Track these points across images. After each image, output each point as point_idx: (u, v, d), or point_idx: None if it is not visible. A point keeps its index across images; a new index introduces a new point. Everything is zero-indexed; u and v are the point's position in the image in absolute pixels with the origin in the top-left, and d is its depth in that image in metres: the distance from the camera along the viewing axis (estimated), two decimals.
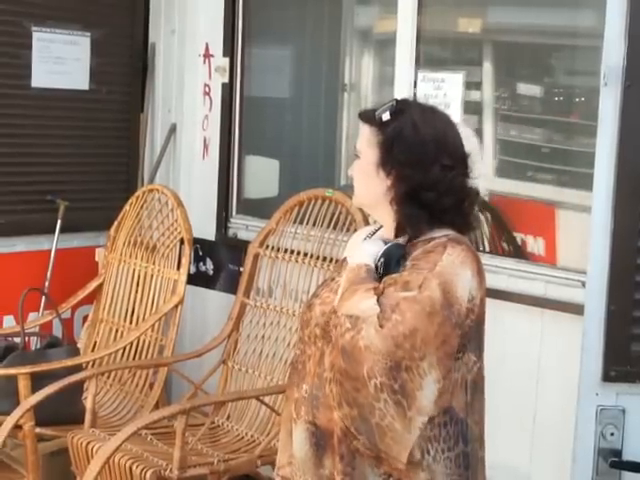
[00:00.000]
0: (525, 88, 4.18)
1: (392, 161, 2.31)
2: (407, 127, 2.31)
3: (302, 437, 2.33)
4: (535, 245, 3.98)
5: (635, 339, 2.53)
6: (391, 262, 2.26)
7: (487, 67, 4.22)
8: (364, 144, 2.36)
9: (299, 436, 2.34)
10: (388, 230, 2.39)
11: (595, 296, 2.55)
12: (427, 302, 2.16)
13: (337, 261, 3.96)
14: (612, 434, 2.54)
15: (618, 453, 2.54)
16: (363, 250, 2.35)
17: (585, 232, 2.70)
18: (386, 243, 2.31)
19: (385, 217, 2.39)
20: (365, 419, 2.16)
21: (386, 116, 2.32)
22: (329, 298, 2.35)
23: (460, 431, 2.23)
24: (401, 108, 2.33)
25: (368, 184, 2.37)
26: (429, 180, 2.28)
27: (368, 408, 2.15)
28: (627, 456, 2.54)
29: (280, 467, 2.49)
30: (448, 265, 2.20)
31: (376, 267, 2.28)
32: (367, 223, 4.01)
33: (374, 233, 2.47)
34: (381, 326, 2.13)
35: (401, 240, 2.31)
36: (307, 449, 2.32)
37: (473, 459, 2.27)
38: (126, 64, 5.35)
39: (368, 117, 2.36)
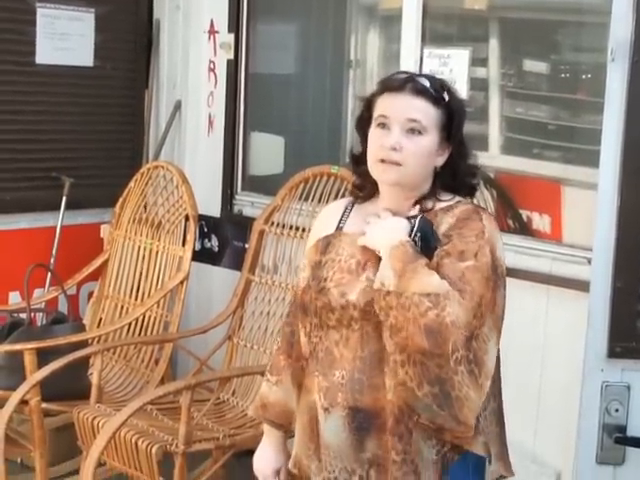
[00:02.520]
0: (531, 65, 4.17)
1: (451, 140, 2.34)
2: (462, 107, 2.38)
3: (337, 424, 2.30)
4: (541, 222, 3.98)
5: None
6: (428, 236, 2.25)
7: (493, 43, 4.21)
8: (430, 123, 2.31)
9: (333, 424, 2.31)
10: (401, 203, 2.35)
11: (601, 273, 2.55)
12: (485, 268, 2.21)
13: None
14: (617, 410, 2.55)
15: (623, 429, 2.55)
16: (390, 227, 2.28)
17: (591, 209, 2.70)
18: (408, 218, 2.28)
19: (410, 192, 2.35)
20: (447, 394, 2.17)
21: (446, 96, 2.33)
22: (344, 279, 2.32)
23: (496, 387, 2.32)
24: (447, 87, 2.36)
25: (425, 163, 2.33)
26: (467, 154, 2.37)
27: (449, 382, 2.16)
28: (632, 432, 2.54)
29: (297, 460, 2.47)
30: (491, 230, 2.27)
31: (414, 242, 2.25)
32: None
33: (352, 205, 2.46)
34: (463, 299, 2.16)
35: (415, 211, 2.31)
36: (345, 435, 2.30)
37: (502, 414, 2.35)
38: (131, 40, 5.33)
39: (427, 94, 2.31)
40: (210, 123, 5.18)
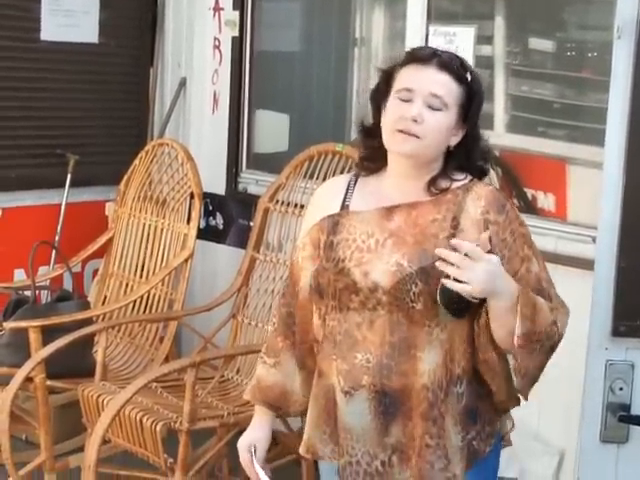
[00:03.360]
0: (537, 43, 4.16)
1: (468, 120, 2.33)
2: (481, 89, 2.38)
3: (362, 407, 2.30)
4: (546, 201, 3.98)
5: None
6: None
7: (499, 21, 4.19)
8: (452, 100, 2.30)
9: (356, 407, 2.31)
10: (419, 183, 2.34)
11: (605, 252, 2.55)
12: (540, 256, 2.33)
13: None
14: (621, 389, 2.55)
15: (627, 407, 2.55)
16: (495, 270, 2.17)
17: (596, 188, 2.70)
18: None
19: (421, 169, 2.34)
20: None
21: (469, 75, 2.33)
22: (365, 258, 2.31)
23: None
24: (469, 67, 2.36)
25: (442, 139, 2.32)
26: (481, 136, 2.37)
27: None
28: (636, 410, 2.55)
29: (310, 444, 2.44)
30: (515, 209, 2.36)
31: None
32: None
33: (355, 181, 2.44)
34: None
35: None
36: (370, 419, 2.30)
37: None
38: (135, 17, 5.31)
39: (453, 70, 2.31)
40: (215, 101, 5.17)
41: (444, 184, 2.34)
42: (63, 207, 4.98)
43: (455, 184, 2.35)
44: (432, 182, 2.34)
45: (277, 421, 3.81)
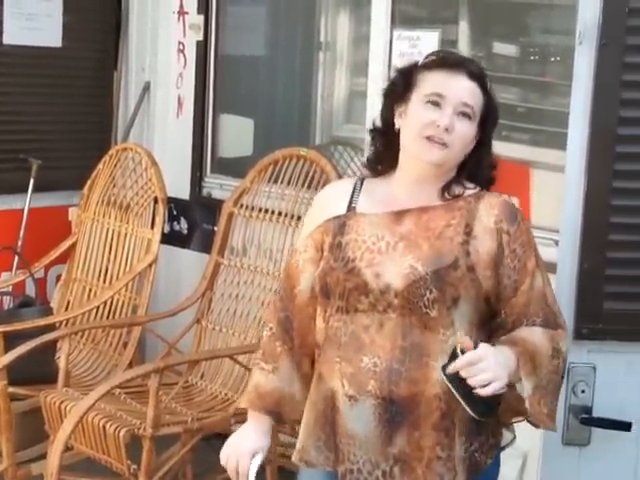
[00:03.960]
0: (501, 47, 4.17)
1: (485, 128, 2.34)
2: (496, 101, 2.38)
3: (367, 414, 2.25)
4: None
5: (607, 297, 2.55)
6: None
7: (463, 26, 4.21)
8: (479, 110, 2.31)
9: (361, 413, 2.26)
10: (432, 188, 2.34)
11: (568, 254, 2.56)
12: (544, 269, 2.34)
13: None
14: (583, 391, 2.56)
15: (589, 410, 2.56)
16: (500, 361, 2.16)
17: (559, 191, 2.70)
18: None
19: (441, 179, 2.34)
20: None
21: (489, 84, 2.34)
22: (376, 259, 2.28)
23: None
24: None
25: (466, 148, 2.32)
26: (491, 145, 2.38)
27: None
28: (597, 413, 2.56)
29: (303, 451, 2.39)
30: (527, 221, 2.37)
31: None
32: None
33: (361, 184, 2.42)
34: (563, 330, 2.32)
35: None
36: (374, 426, 2.26)
37: None
38: (99, 21, 5.28)
39: (482, 80, 2.32)
40: (179, 105, 5.15)
41: (457, 190, 2.34)
42: (26, 212, 4.94)
43: (467, 192, 2.35)
44: (446, 188, 2.34)
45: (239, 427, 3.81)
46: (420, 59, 2.39)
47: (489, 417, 2.21)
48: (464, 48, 4.20)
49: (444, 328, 2.24)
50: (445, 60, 2.34)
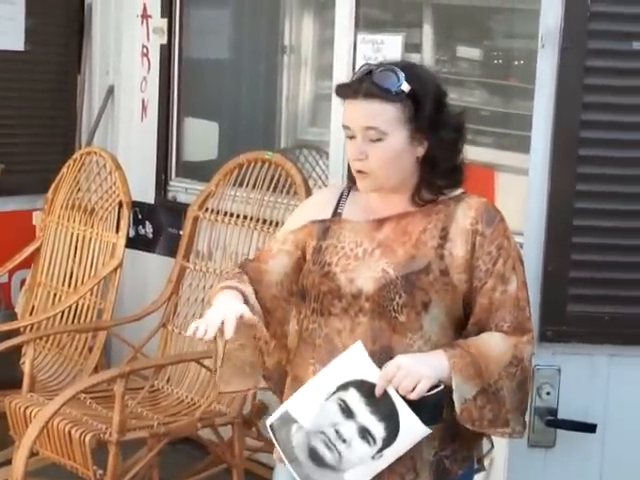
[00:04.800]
0: (464, 51, 4.20)
1: (425, 129, 2.28)
2: (430, 92, 2.30)
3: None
4: None
5: (571, 299, 2.57)
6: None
7: (427, 29, 4.23)
8: (391, 124, 2.25)
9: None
10: (404, 197, 2.34)
11: (532, 257, 2.57)
12: (521, 273, 2.31)
13: (278, 223, 3.95)
14: (548, 393, 2.57)
15: (554, 412, 2.57)
16: (423, 360, 2.21)
17: (523, 194, 2.72)
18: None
19: (403, 188, 2.33)
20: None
21: (406, 86, 2.26)
22: (351, 265, 2.30)
23: None
24: (409, 73, 2.29)
25: (399, 164, 2.29)
26: (448, 139, 2.33)
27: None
28: (562, 415, 2.57)
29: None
30: (506, 222, 2.35)
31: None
32: (307, 186, 4.02)
33: (348, 192, 2.43)
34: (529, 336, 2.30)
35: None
36: None
37: None
38: (62, 24, 5.26)
39: (382, 94, 2.24)
40: (144, 108, 5.13)
41: (429, 195, 2.34)
42: None
43: (446, 195, 2.35)
44: (416, 194, 2.34)
45: (208, 431, 3.81)
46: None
47: (436, 423, 2.20)
48: (428, 51, 4.22)
49: (412, 332, 2.25)
50: (341, 91, 2.33)
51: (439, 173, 2.34)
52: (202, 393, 4.05)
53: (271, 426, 2.29)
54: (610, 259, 2.56)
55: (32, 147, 5.16)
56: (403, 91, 2.26)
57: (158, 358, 4.26)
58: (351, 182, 2.45)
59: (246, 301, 2.30)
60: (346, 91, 2.31)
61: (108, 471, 3.48)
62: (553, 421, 2.57)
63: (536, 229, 2.58)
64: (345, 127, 2.30)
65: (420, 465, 2.27)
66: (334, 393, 2.20)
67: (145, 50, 5.09)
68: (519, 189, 3.56)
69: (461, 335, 2.30)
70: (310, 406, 2.24)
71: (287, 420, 2.26)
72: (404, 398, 2.16)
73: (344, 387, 2.20)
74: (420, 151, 2.31)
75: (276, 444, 2.29)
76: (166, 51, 4.99)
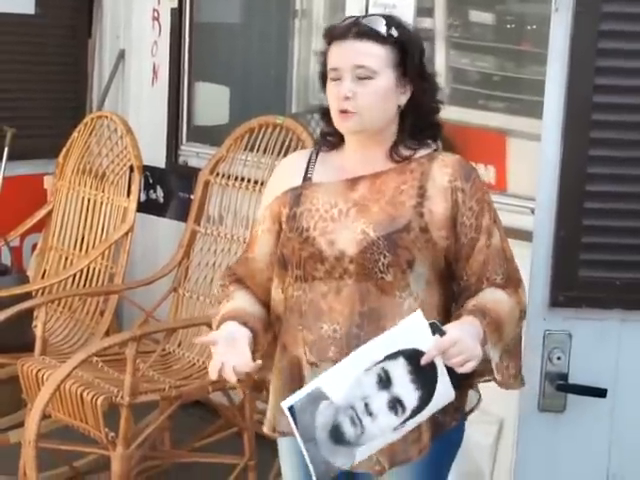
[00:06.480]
0: (477, 15, 4.17)
1: (410, 75, 2.32)
2: (415, 41, 2.35)
3: None
4: (486, 173, 3.99)
5: (583, 265, 2.56)
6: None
7: None
8: (381, 64, 2.28)
9: None
10: (380, 152, 2.35)
11: (544, 222, 2.57)
12: (500, 225, 2.38)
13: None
14: (559, 358, 2.58)
15: (564, 376, 2.58)
16: (469, 332, 2.20)
17: (535, 160, 2.71)
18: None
19: (377, 137, 2.35)
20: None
21: (395, 32, 2.30)
22: (329, 227, 2.31)
23: None
24: (395, 23, 2.33)
25: (385, 106, 2.31)
26: (430, 90, 2.37)
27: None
28: (572, 379, 2.58)
29: (274, 421, 2.43)
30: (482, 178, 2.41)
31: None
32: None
33: (316, 155, 2.45)
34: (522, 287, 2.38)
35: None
36: None
37: None
38: None
39: (373, 35, 2.28)
40: (154, 73, 5.12)
41: (406, 152, 2.36)
42: (0, 181, 4.91)
43: (419, 153, 2.36)
44: (393, 149, 2.36)
45: (219, 394, 3.83)
46: None
47: (459, 386, 2.24)
48: (440, 16, 4.19)
49: (400, 291, 2.28)
50: (332, 32, 2.35)
51: (420, 124, 2.37)
52: None
53: (291, 408, 2.19)
54: (622, 224, 2.56)
55: (43, 111, 5.16)
56: (392, 35, 2.30)
57: (169, 322, 4.27)
58: (320, 143, 2.47)
59: (245, 323, 2.33)
60: (336, 32, 2.33)
61: (120, 433, 3.50)
62: (563, 386, 2.57)
63: (548, 194, 2.57)
64: (332, 69, 2.32)
65: (422, 423, 2.29)
66: (379, 363, 2.16)
67: (156, 14, 5.08)
68: (531, 154, 3.56)
69: (449, 290, 2.34)
70: (346, 380, 2.18)
71: (317, 398, 2.19)
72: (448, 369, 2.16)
73: (393, 356, 2.16)
74: (402, 99, 2.34)
75: (293, 426, 2.20)
76: (177, 15, 4.97)
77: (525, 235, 3.25)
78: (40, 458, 3.51)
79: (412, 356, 2.16)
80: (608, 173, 2.55)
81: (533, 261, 2.59)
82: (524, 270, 2.56)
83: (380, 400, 2.17)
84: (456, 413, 2.39)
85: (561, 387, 2.58)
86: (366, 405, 2.18)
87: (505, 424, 3.63)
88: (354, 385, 2.17)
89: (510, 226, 3.63)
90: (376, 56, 2.29)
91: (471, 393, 2.46)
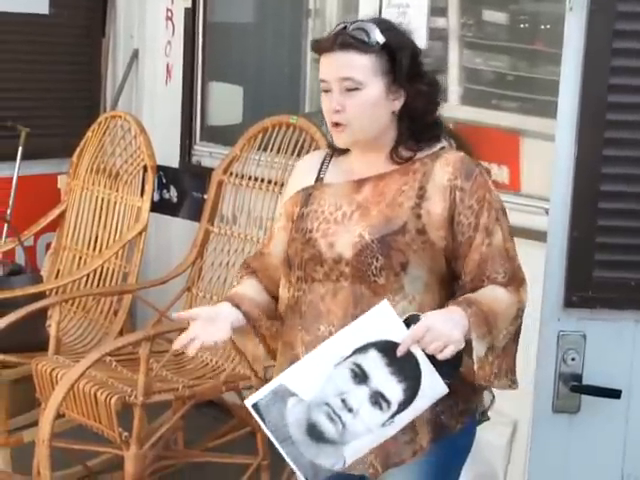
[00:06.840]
0: (490, 15, 4.16)
1: (401, 80, 2.29)
2: (405, 44, 2.32)
3: None
4: (499, 173, 3.99)
5: (597, 265, 2.55)
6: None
7: None
8: (367, 74, 2.26)
9: None
10: (381, 155, 2.35)
11: (558, 223, 2.56)
12: (505, 224, 2.34)
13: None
14: (573, 359, 2.56)
15: (578, 377, 2.57)
16: (447, 317, 2.19)
17: (549, 160, 2.70)
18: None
19: (381, 145, 2.34)
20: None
21: (381, 38, 2.27)
22: (331, 229, 2.32)
23: None
24: (384, 27, 2.30)
25: (376, 115, 2.29)
26: (425, 92, 2.33)
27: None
28: (587, 380, 2.56)
29: None
30: (487, 177, 2.36)
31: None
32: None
33: (330, 156, 2.45)
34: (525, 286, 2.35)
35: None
36: None
37: None
38: None
39: (357, 45, 2.25)
40: (168, 72, 5.13)
41: (407, 153, 2.34)
42: (15, 180, 4.92)
43: (424, 152, 2.35)
44: (394, 152, 2.35)
45: (232, 394, 3.84)
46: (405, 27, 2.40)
47: (453, 378, 2.21)
48: (454, 16, 4.18)
49: (392, 294, 2.26)
50: (318, 46, 2.33)
51: (418, 127, 2.34)
52: (226, 357, 4.06)
53: (255, 405, 2.18)
54: (637, 225, 2.54)
55: (57, 111, 5.17)
56: (378, 42, 2.27)
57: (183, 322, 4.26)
58: (332, 150, 2.47)
59: (237, 305, 2.35)
60: (322, 45, 2.31)
61: (133, 433, 3.50)
62: (578, 387, 2.56)
63: (562, 195, 2.56)
64: (322, 81, 2.31)
65: (419, 424, 2.28)
66: (348, 357, 2.16)
67: (169, 14, 5.08)
68: (544, 154, 3.55)
69: (450, 291, 2.32)
70: (313, 376, 2.18)
71: (282, 395, 2.19)
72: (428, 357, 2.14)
73: (363, 349, 2.16)
74: (397, 105, 2.32)
75: (263, 425, 2.19)
76: (190, 15, 4.98)
77: (539, 235, 3.25)
78: (54, 457, 3.51)
79: (386, 348, 2.15)
80: (622, 173, 2.53)
81: (547, 261, 2.58)
82: (538, 271, 2.55)
83: (360, 395, 2.17)
84: (462, 416, 2.37)
85: (575, 388, 2.56)
86: (343, 401, 2.17)
87: (519, 425, 3.62)
88: (326, 381, 2.17)
89: (524, 226, 3.66)
90: (361, 66, 2.26)
91: (484, 395, 2.45)
